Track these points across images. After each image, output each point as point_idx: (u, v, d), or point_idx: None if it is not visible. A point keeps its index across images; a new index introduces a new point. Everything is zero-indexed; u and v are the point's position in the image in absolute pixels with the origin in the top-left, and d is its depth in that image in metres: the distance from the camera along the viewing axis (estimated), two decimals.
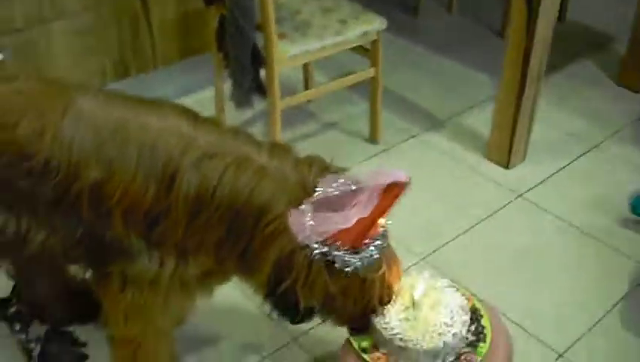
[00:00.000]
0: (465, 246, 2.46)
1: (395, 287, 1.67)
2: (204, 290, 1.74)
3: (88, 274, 1.75)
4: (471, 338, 1.72)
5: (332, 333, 1.85)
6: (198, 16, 3.09)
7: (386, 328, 1.66)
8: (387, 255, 1.60)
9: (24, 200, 1.55)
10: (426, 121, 3.12)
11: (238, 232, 1.52)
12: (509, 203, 2.68)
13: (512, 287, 2.33)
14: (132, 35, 2.99)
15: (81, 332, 2.11)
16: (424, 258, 2.40)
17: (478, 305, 1.81)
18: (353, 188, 1.49)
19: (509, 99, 2.71)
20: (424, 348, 1.64)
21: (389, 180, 1.45)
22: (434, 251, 2.43)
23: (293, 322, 1.64)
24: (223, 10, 2.60)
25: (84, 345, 2.07)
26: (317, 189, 1.50)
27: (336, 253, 1.49)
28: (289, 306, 1.57)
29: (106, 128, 1.50)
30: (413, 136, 3.01)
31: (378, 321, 1.67)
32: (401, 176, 1.45)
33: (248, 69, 2.50)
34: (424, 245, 2.45)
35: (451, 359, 1.67)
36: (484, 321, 1.76)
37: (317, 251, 1.47)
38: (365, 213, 1.45)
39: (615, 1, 3.96)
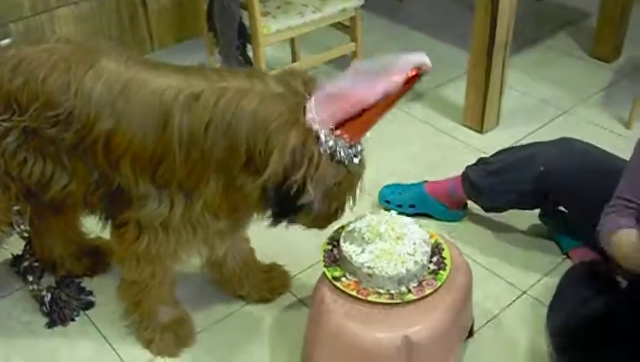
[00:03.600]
0: None
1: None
2: (215, 234, 1.86)
3: (106, 225, 1.93)
4: (432, 267, 1.91)
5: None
6: (191, 3, 3.31)
7: (354, 258, 1.85)
8: None
9: (50, 146, 1.76)
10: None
11: (238, 144, 1.62)
12: None
13: (484, 236, 2.53)
14: (130, 20, 3.21)
15: (88, 281, 2.32)
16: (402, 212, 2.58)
17: (440, 241, 2.00)
18: (377, 69, 1.57)
19: (479, 67, 2.90)
20: (389, 274, 1.83)
21: (414, 63, 1.57)
22: None
23: (282, 216, 1.71)
24: None
25: (90, 293, 2.28)
26: (311, 93, 1.61)
27: (339, 146, 1.59)
28: (289, 197, 1.62)
29: (119, 85, 1.68)
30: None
31: (347, 252, 1.87)
32: (423, 59, 1.58)
33: (235, 44, 2.72)
34: None
35: (414, 284, 1.86)
36: (444, 253, 1.96)
37: (326, 143, 1.58)
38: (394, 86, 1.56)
39: None
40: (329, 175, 1.62)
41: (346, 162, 1.63)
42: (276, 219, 1.73)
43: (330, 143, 1.59)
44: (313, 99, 1.60)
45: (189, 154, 1.66)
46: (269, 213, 1.74)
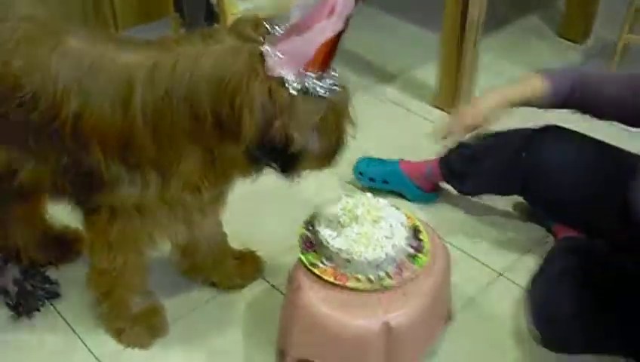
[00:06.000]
0: None
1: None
2: (196, 210, 1.80)
3: (75, 211, 1.85)
4: (411, 251, 1.88)
5: None
6: None
7: (331, 243, 1.81)
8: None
9: (16, 131, 1.68)
10: (378, 75, 3.29)
11: (203, 110, 1.56)
12: None
13: (458, 217, 2.51)
14: (94, 1, 3.12)
15: (54, 271, 2.24)
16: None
17: (417, 223, 1.97)
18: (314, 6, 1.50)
19: (450, 47, 2.87)
20: (367, 259, 1.78)
21: None
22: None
23: (286, 170, 1.67)
24: None
25: (56, 282, 2.20)
26: (266, 35, 1.54)
27: (308, 81, 1.51)
28: (280, 150, 1.57)
29: (86, 63, 1.60)
30: (365, 89, 3.17)
31: (324, 237, 1.83)
32: None
33: (202, 24, 2.66)
34: None
35: (393, 269, 1.82)
36: (422, 236, 1.93)
37: (294, 83, 1.50)
38: (340, 24, 1.48)
39: None
40: (309, 113, 1.54)
41: (325, 94, 1.54)
42: (283, 174, 1.68)
43: (298, 82, 1.51)
44: (268, 43, 1.52)
45: (155, 129, 1.60)
46: (273, 171, 1.68)
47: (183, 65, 1.55)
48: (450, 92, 2.97)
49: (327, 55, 1.51)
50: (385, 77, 3.30)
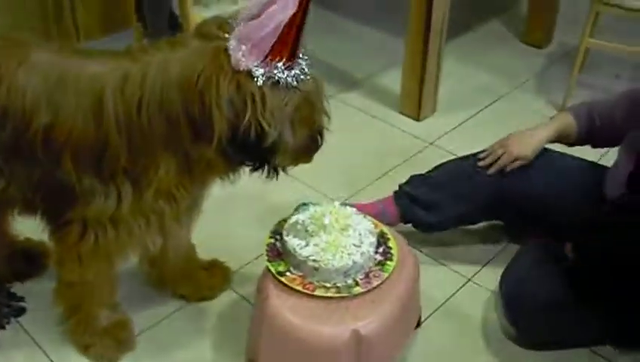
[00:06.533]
0: (381, 190, 2.60)
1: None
2: (166, 224, 1.77)
3: (45, 226, 1.83)
4: (379, 258, 1.88)
5: None
6: None
7: (299, 251, 1.80)
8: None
9: None
10: (343, 82, 3.29)
11: (176, 114, 1.56)
12: (421, 151, 2.86)
13: None
14: (55, 12, 3.09)
15: (19, 286, 2.19)
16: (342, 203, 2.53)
17: (385, 230, 1.97)
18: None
19: (415, 53, 2.89)
20: (335, 266, 1.78)
21: None
22: (351, 196, 2.60)
23: (261, 166, 1.65)
24: None
25: (22, 298, 2.16)
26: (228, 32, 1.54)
27: (276, 71, 1.50)
28: (253, 145, 1.55)
29: (53, 77, 1.60)
30: (330, 96, 3.16)
31: (292, 246, 1.82)
32: None
33: (166, 34, 2.63)
34: (342, 191, 2.63)
35: (361, 276, 1.82)
36: (390, 243, 1.93)
37: (260, 74, 1.49)
38: (291, 5, 1.47)
39: None
40: (281, 104, 1.54)
41: (295, 84, 1.53)
42: (258, 171, 1.66)
43: (266, 72, 1.50)
44: (232, 38, 1.52)
45: (130, 138, 1.60)
46: (248, 170, 1.68)
47: (152, 73, 1.56)
48: (415, 98, 2.99)
49: (293, 43, 1.51)
50: (349, 83, 3.31)
